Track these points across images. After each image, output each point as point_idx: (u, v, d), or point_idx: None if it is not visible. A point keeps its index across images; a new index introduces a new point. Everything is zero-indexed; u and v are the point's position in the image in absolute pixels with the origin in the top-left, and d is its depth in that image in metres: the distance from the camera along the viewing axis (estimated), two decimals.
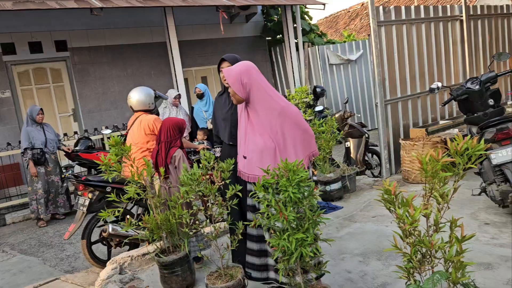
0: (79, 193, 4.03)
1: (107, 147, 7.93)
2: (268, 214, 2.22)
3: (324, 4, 9.05)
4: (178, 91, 7.92)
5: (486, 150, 3.49)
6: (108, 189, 3.93)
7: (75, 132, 8.01)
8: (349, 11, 26.02)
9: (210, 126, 6.92)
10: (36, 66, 8.34)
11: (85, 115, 8.77)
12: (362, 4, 25.14)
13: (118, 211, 3.09)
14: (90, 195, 3.94)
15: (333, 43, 11.01)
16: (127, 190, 3.06)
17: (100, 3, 6.66)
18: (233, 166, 2.70)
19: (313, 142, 2.63)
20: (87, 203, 3.92)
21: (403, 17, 5.53)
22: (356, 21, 24.09)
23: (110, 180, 3.21)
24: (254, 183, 2.71)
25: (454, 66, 6.25)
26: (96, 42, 8.73)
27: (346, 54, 10.28)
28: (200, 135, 6.71)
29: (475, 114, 4.22)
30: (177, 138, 3.54)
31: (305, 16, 10.96)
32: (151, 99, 4.14)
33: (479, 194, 4.23)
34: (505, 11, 7.04)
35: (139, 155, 3.87)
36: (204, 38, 10.06)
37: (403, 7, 5.53)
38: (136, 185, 3.09)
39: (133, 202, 3.59)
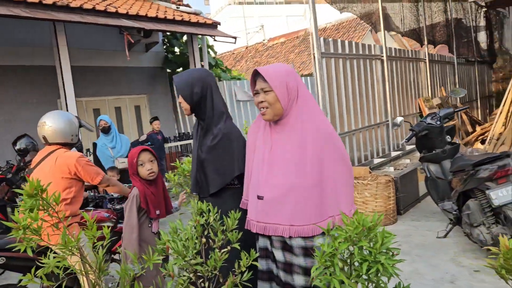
0: None
1: None
2: None
3: (235, 38, 8.67)
4: None
5: (479, 189, 3.23)
6: (1, 261, 2.63)
7: None
8: (233, 53, 26.63)
9: (120, 165, 5.75)
10: None
11: None
12: (247, 47, 25.98)
13: None
14: None
15: (239, 79, 10.67)
16: (41, 264, 1.93)
17: None
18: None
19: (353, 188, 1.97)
20: None
21: (339, 51, 5.35)
22: (241, 63, 24.65)
23: (32, 252, 2.01)
24: (270, 237, 1.93)
25: (378, 104, 6.29)
26: None
27: None
28: (111, 175, 5.49)
29: (434, 151, 4.06)
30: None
31: (209, 50, 10.48)
32: (74, 129, 2.99)
33: (445, 236, 4.01)
34: (409, 56, 7.50)
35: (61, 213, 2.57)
36: (98, 65, 8.78)
37: (339, 41, 5.37)
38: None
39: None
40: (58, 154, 2.87)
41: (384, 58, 6.27)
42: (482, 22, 12.17)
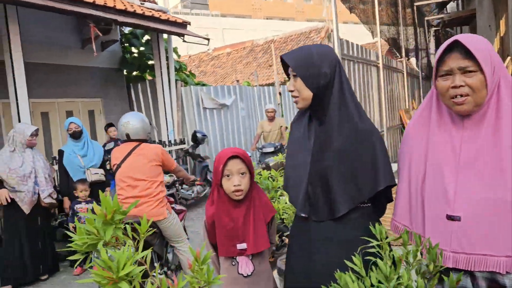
0: None
1: None
2: None
3: (208, 39, 8.02)
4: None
5: None
6: None
7: None
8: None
9: (91, 177, 4.82)
10: None
11: None
12: (190, 57, 25.14)
13: None
14: None
15: (204, 85, 9.98)
16: None
17: None
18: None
19: None
20: None
21: (345, 51, 4.98)
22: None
23: None
24: (472, 274, 1.40)
25: (373, 113, 6.02)
26: None
27: (219, 98, 9.35)
28: (81, 189, 4.57)
29: None
30: None
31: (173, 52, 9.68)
32: (148, 128, 3.57)
33: None
34: (395, 66, 7.41)
35: (156, 190, 3.35)
36: (47, 62, 7.61)
37: (344, 41, 4.99)
38: None
39: None
40: (144, 147, 3.40)
41: (380, 65, 6.04)
42: (433, 41, 12.75)
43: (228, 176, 1.79)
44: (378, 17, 6.05)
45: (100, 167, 5.00)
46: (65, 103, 7.98)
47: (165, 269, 3.59)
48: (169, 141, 8.03)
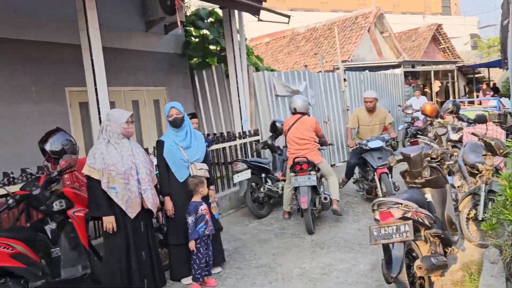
0: None
1: None
2: None
3: (289, 17, 7.12)
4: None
5: None
6: None
7: None
8: None
9: (196, 173, 4.00)
10: None
11: None
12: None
13: None
14: None
15: (272, 70, 9.09)
16: None
17: None
18: None
19: None
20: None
21: None
22: None
23: None
24: None
25: None
26: None
27: (290, 84, 8.43)
28: (203, 188, 3.80)
29: None
30: None
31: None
32: (308, 105, 5.61)
33: None
34: None
35: (314, 146, 5.37)
36: (109, 47, 6.83)
37: None
38: None
39: None
40: (305, 118, 5.45)
41: None
42: None
43: None
44: None
45: (203, 162, 4.18)
46: (130, 92, 7.22)
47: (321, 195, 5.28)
48: (243, 132, 7.15)
